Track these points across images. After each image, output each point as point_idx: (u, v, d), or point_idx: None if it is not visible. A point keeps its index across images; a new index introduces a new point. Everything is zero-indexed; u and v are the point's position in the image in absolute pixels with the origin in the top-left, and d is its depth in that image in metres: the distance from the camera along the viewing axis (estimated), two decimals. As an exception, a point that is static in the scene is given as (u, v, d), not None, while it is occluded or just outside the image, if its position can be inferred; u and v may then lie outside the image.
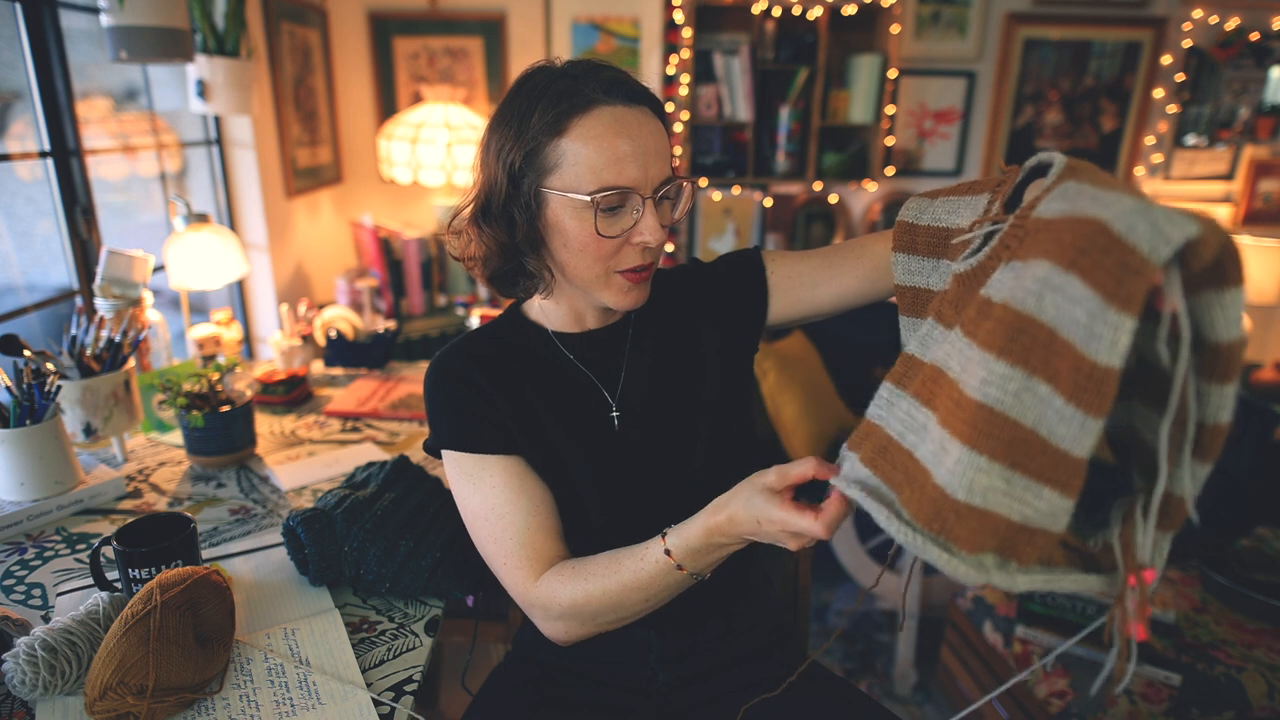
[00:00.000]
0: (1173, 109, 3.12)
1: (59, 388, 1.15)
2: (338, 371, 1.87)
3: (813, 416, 2.44)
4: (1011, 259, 0.56)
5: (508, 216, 0.82)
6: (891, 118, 3.00)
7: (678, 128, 2.90)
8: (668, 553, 0.77)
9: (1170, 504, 0.52)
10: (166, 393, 1.33)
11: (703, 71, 2.89)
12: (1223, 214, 3.25)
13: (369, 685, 0.83)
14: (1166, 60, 3.05)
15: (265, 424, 1.54)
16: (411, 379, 1.79)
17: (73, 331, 1.30)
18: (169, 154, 2.15)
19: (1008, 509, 0.50)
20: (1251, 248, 2.64)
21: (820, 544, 0.73)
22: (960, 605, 1.87)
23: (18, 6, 1.55)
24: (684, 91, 2.86)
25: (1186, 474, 0.50)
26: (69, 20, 1.68)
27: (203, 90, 1.87)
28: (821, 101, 2.92)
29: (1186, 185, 3.24)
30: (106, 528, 1.14)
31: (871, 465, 0.63)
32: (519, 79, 0.82)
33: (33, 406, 1.12)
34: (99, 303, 1.51)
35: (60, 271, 1.73)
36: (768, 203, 3.11)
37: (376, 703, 0.81)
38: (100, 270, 1.52)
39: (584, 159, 0.77)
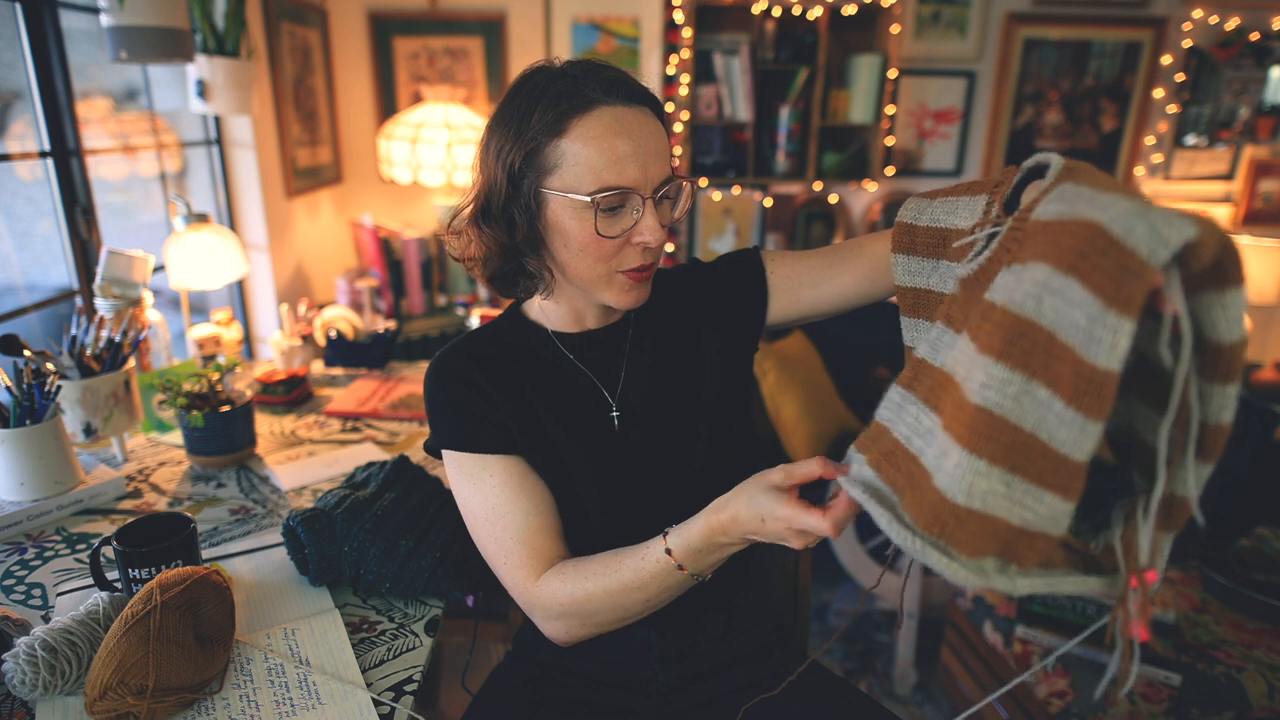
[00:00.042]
0: (1173, 109, 3.12)
1: (59, 388, 1.15)
2: (338, 371, 1.87)
3: (813, 416, 2.44)
4: (1012, 262, 0.56)
5: (508, 217, 0.82)
6: (891, 118, 3.00)
7: (678, 128, 2.90)
8: (668, 552, 0.77)
9: (1173, 505, 0.52)
10: (166, 393, 1.33)
11: (703, 71, 2.89)
12: (1223, 214, 3.25)
13: (369, 685, 0.83)
14: (1166, 60, 3.05)
15: (265, 424, 1.54)
16: (411, 379, 1.79)
17: (73, 331, 1.30)
18: (169, 154, 2.15)
19: (1008, 513, 0.50)
20: (1251, 248, 2.64)
21: (820, 544, 0.73)
22: (960, 605, 1.87)
23: (18, 6, 1.55)
24: (684, 91, 2.86)
25: (1190, 475, 0.50)
26: (69, 20, 1.68)
27: (203, 90, 1.87)
28: (821, 101, 2.92)
29: (1186, 185, 3.24)
30: (106, 528, 1.14)
31: (877, 468, 0.63)
32: (518, 79, 0.82)
33: (33, 406, 1.12)
34: (99, 303, 1.51)
35: (60, 271, 1.73)
36: (768, 203, 3.11)
37: (376, 703, 0.81)
38: (100, 270, 1.52)
39: (584, 159, 0.77)
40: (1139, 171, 3.20)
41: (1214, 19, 3.00)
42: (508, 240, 0.83)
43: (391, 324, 2.18)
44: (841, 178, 3.02)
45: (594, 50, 2.87)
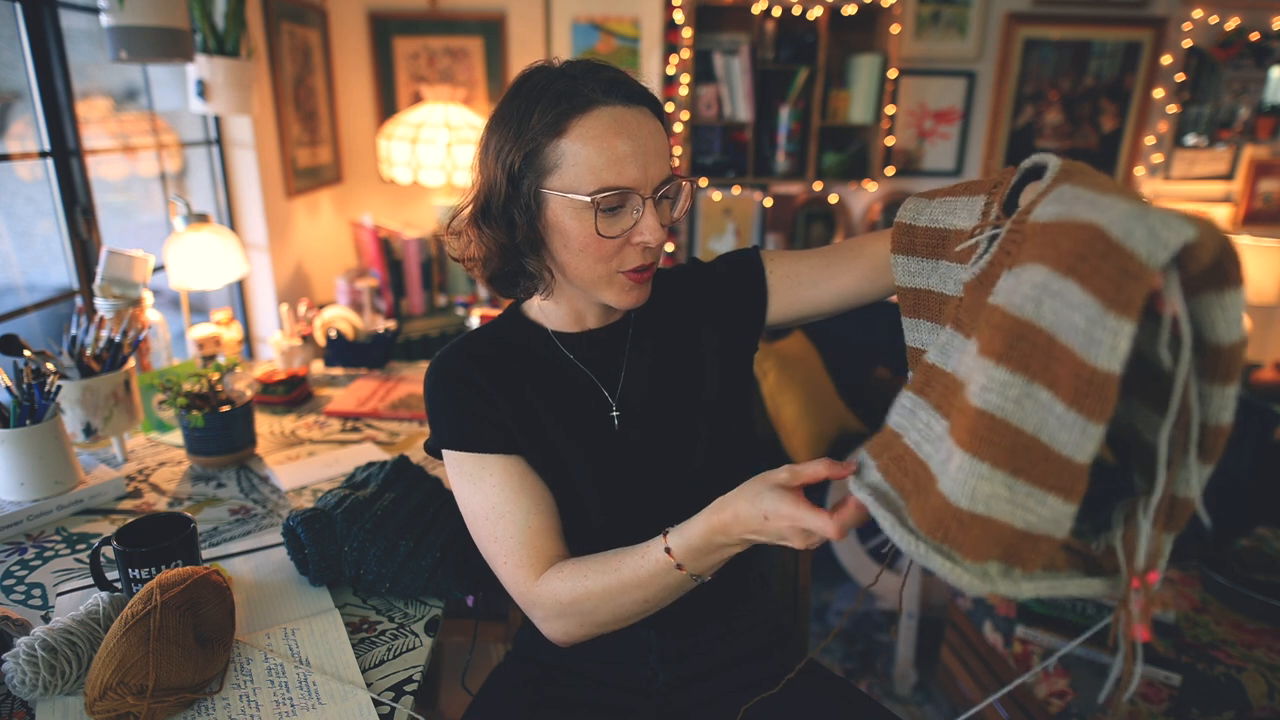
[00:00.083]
0: (1173, 109, 3.12)
1: (59, 388, 1.15)
2: (338, 371, 1.87)
3: (813, 416, 2.44)
4: (1013, 264, 0.56)
5: (507, 217, 0.82)
6: (891, 118, 3.00)
7: (678, 128, 2.90)
8: (668, 551, 0.77)
9: (1174, 506, 0.52)
10: (166, 393, 1.33)
11: (703, 71, 2.89)
12: (1223, 214, 3.25)
13: (369, 685, 0.83)
14: (1166, 60, 3.05)
15: (265, 424, 1.54)
16: (411, 379, 1.79)
17: (73, 331, 1.30)
18: (169, 154, 2.15)
19: (1011, 516, 0.50)
20: (1251, 248, 2.64)
21: (820, 544, 0.72)
22: (960, 605, 1.87)
23: (18, 6, 1.55)
24: (684, 91, 2.86)
25: (1193, 475, 0.50)
26: (69, 20, 1.68)
27: (203, 90, 1.87)
28: (821, 101, 2.92)
29: (1186, 185, 3.24)
30: (106, 528, 1.14)
31: (885, 472, 0.63)
32: (517, 79, 0.82)
33: (33, 406, 1.12)
34: (99, 303, 1.51)
35: (60, 271, 1.73)
36: (768, 203, 3.11)
37: (376, 703, 0.81)
38: (100, 270, 1.52)
39: (584, 159, 0.77)
40: (1139, 171, 3.20)
41: (1214, 19, 3.00)
42: (508, 240, 0.83)
43: (391, 324, 2.18)
44: (841, 178, 3.02)
45: (594, 50, 2.87)
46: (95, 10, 1.68)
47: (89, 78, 1.80)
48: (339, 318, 2.07)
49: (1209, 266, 0.44)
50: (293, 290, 2.54)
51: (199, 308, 2.25)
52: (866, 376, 2.83)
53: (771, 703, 0.89)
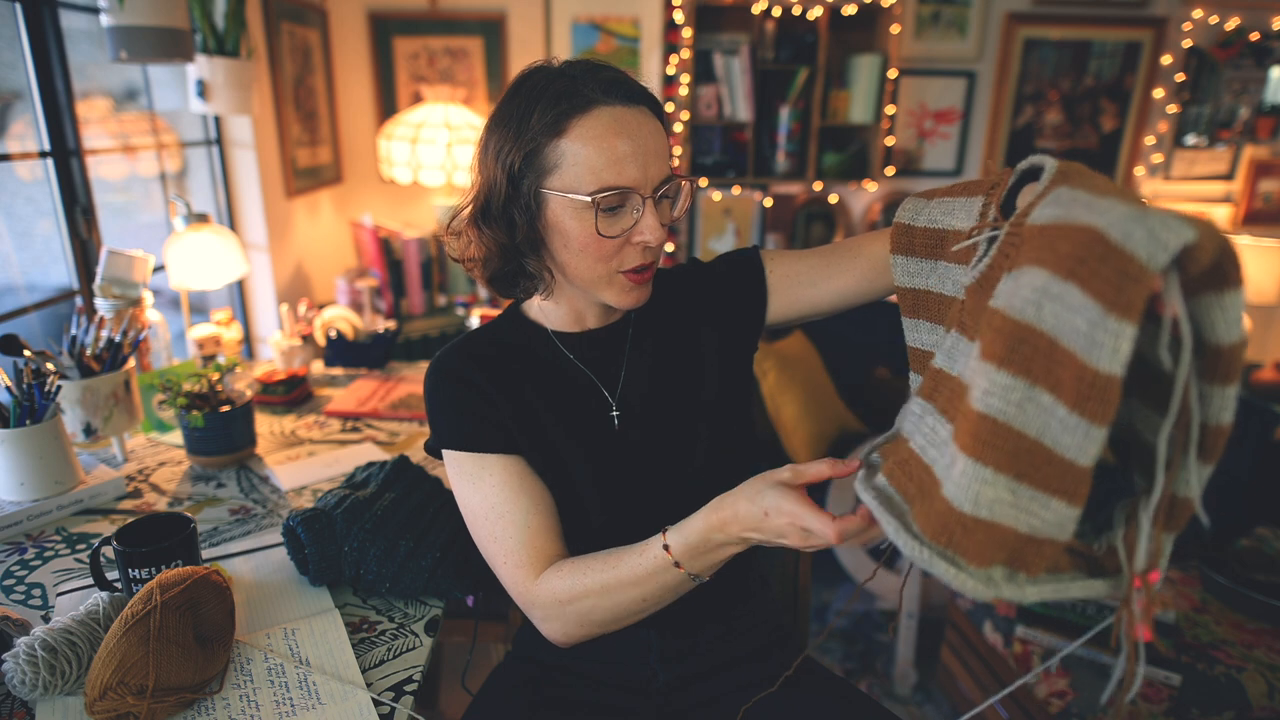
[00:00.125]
0: (1173, 109, 3.12)
1: (59, 388, 1.15)
2: (338, 371, 1.87)
3: (813, 416, 2.44)
4: (1012, 267, 0.56)
5: (507, 218, 0.82)
6: (891, 118, 3.00)
7: (678, 128, 2.90)
8: (666, 548, 0.77)
9: (1175, 506, 0.52)
10: (166, 393, 1.33)
11: (703, 71, 2.89)
12: (1223, 214, 3.25)
13: (369, 685, 0.83)
14: (1166, 60, 3.05)
15: (265, 424, 1.54)
16: (411, 379, 1.79)
17: (73, 331, 1.30)
18: (169, 154, 2.15)
19: (1015, 520, 0.50)
20: (1251, 248, 2.64)
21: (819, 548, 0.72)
22: (960, 605, 1.87)
23: (18, 6, 1.55)
24: (684, 91, 2.86)
25: (1193, 476, 0.50)
26: (69, 20, 1.68)
27: (203, 90, 1.87)
28: (821, 101, 2.92)
29: (1186, 185, 3.24)
30: (106, 528, 1.14)
31: (890, 476, 0.63)
32: (516, 79, 0.82)
33: (33, 406, 1.12)
34: (99, 303, 1.51)
35: (60, 271, 1.73)
36: (768, 203, 3.11)
37: (376, 703, 0.81)
38: (100, 270, 1.52)
39: (584, 159, 0.77)
40: (1139, 171, 3.20)
41: (1214, 19, 3.00)
42: (508, 241, 0.83)
43: (391, 324, 2.18)
44: (841, 178, 3.02)
45: (594, 50, 2.87)
46: (95, 10, 1.68)
47: (89, 78, 1.80)
48: (339, 318, 2.07)
49: (1208, 268, 0.44)
50: (293, 290, 2.54)
51: (199, 308, 2.25)
52: (866, 376, 2.83)
53: (771, 703, 0.89)
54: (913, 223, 0.80)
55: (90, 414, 1.29)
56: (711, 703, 0.93)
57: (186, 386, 1.34)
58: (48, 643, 0.78)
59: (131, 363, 1.35)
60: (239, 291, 2.39)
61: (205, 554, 1.06)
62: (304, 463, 1.36)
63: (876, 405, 2.68)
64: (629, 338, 0.94)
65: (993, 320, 0.53)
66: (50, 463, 1.14)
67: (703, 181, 3.01)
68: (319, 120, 2.70)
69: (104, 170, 1.86)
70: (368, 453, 1.41)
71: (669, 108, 2.91)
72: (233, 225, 2.33)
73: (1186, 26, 3.01)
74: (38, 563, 1.05)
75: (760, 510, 0.70)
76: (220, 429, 1.31)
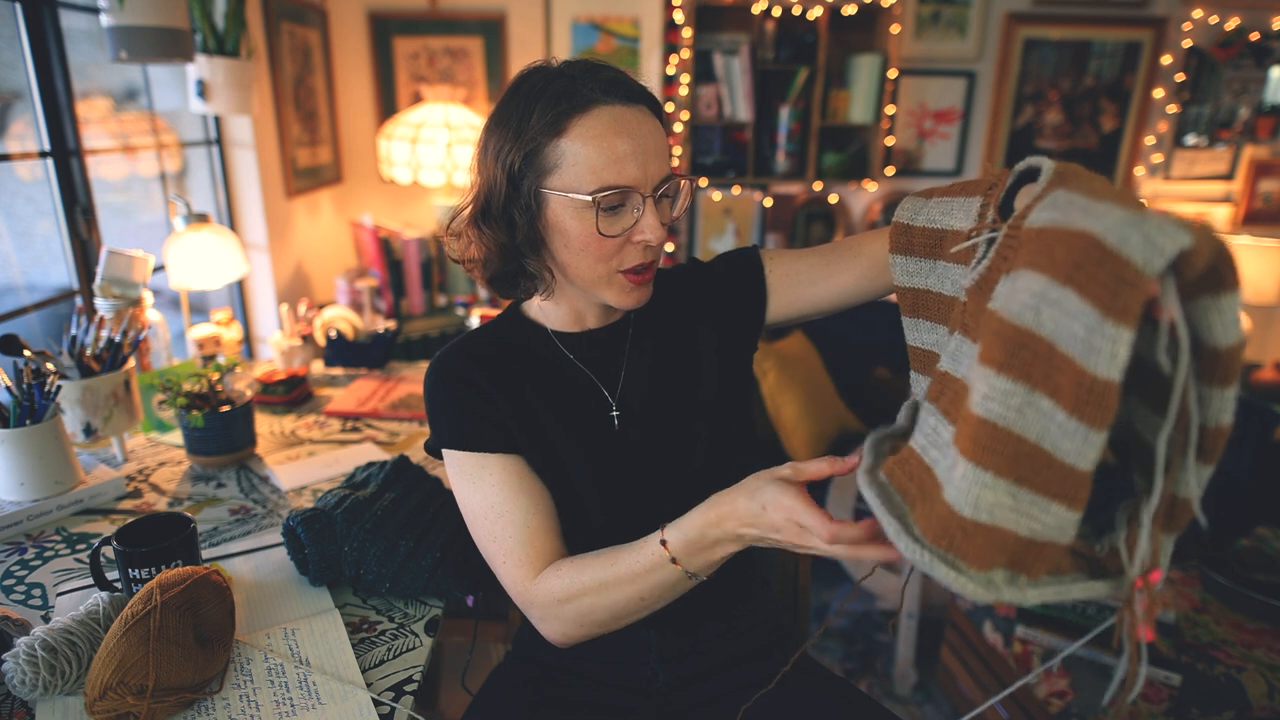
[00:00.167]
0: (1173, 109, 3.12)
1: (59, 388, 1.15)
2: (338, 371, 1.87)
3: (813, 416, 2.44)
4: (1010, 270, 0.56)
5: (508, 218, 0.82)
6: (891, 118, 3.00)
7: (678, 128, 2.90)
8: (664, 543, 0.77)
9: (1175, 506, 0.52)
10: (166, 393, 1.33)
11: (703, 71, 2.89)
12: (1223, 214, 3.25)
13: (369, 685, 0.83)
14: (1166, 60, 3.05)
15: (265, 424, 1.54)
16: (411, 379, 1.79)
17: (73, 331, 1.30)
18: (169, 154, 2.15)
19: (1015, 524, 0.50)
20: (1251, 248, 2.64)
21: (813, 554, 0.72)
22: (960, 605, 1.87)
23: (18, 6, 1.55)
24: (684, 91, 2.87)
25: (1192, 477, 0.50)
26: (69, 20, 1.68)
27: (203, 90, 1.87)
28: (821, 101, 2.92)
29: (1186, 185, 3.24)
30: (106, 528, 1.14)
31: (890, 475, 0.63)
32: (515, 80, 0.82)
33: (33, 406, 1.12)
34: (99, 303, 1.51)
35: (60, 271, 1.73)
36: (768, 203, 3.11)
37: (376, 703, 0.81)
38: (100, 270, 1.52)
39: (584, 159, 0.77)
40: (1139, 171, 3.20)
41: (1214, 19, 3.00)
42: (508, 241, 0.83)
43: (391, 324, 2.18)
44: (841, 178, 3.02)
45: (594, 50, 2.87)
46: (95, 10, 1.68)
47: (89, 78, 1.80)
48: (339, 318, 2.07)
49: (1205, 271, 0.44)
50: (293, 290, 2.54)
51: (199, 308, 2.25)
52: (866, 376, 2.83)
53: (771, 703, 0.89)
54: (911, 222, 0.80)
55: (90, 414, 1.29)
56: (711, 703, 0.93)
57: (186, 386, 1.34)
58: (48, 643, 0.78)
59: (131, 363, 1.35)
60: (239, 291, 2.39)
61: (205, 554, 1.06)
62: (304, 463, 1.36)
63: (876, 405, 2.68)
64: (629, 338, 0.94)
65: (991, 323, 0.53)
66: (50, 463, 1.14)
67: (703, 181, 3.01)
68: (319, 120, 2.71)
69: (104, 170, 1.86)
70: (368, 453, 1.41)
71: (669, 108, 2.91)
72: (233, 225, 2.33)
73: (1186, 26, 3.01)
74: (38, 563, 1.05)
75: (759, 504, 0.70)
76: (220, 429, 1.31)
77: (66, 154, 1.68)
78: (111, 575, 0.95)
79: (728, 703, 0.91)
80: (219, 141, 2.26)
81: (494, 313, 1.93)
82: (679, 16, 2.81)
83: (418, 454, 1.39)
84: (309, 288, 2.70)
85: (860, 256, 0.90)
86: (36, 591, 0.98)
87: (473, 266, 0.89)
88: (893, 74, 2.85)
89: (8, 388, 1.12)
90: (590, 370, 0.92)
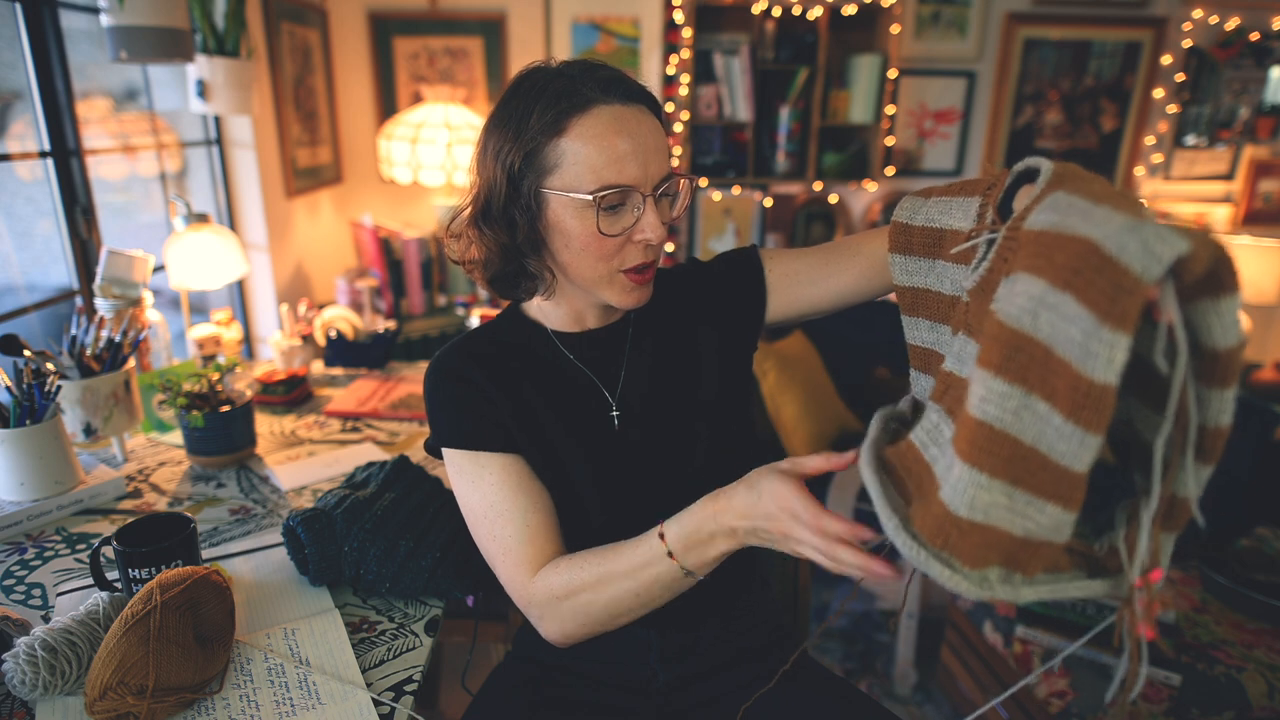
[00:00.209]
0: (1173, 109, 3.12)
1: (59, 388, 1.15)
2: (338, 371, 1.87)
3: (813, 416, 2.44)
4: (1009, 272, 0.56)
5: (508, 218, 0.82)
6: (891, 118, 3.00)
7: (678, 128, 2.90)
8: (661, 537, 0.77)
9: (1174, 506, 0.52)
10: (166, 393, 1.33)
11: (703, 71, 2.89)
12: (1223, 214, 3.25)
13: (369, 685, 0.83)
14: (1166, 60, 3.05)
15: (265, 424, 1.54)
16: (411, 379, 1.79)
17: (73, 331, 1.30)
18: (169, 154, 2.15)
19: (1010, 524, 0.50)
20: (1251, 248, 2.64)
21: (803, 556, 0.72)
22: (960, 605, 1.87)
23: (18, 6, 1.55)
24: (684, 91, 2.87)
25: (1190, 477, 0.50)
26: (69, 20, 1.68)
27: (203, 90, 1.87)
28: (821, 101, 2.92)
29: (1186, 185, 3.24)
30: (106, 528, 1.14)
31: (893, 458, 0.63)
32: (515, 80, 0.82)
33: (33, 406, 1.12)
34: (99, 303, 1.51)
35: (60, 271, 1.73)
36: (768, 203, 3.11)
37: (376, 703, 0.81)
38: (100, 270, 1.52)
39: (584, 158, 0.77)
40: (1139, 172, 3.20)
41: (1214, 19, 3.00)
42: (508, 241, 0.83)
43: (391, 324, 2.18)
44: (841, 178, 3.02)
45: (594, 50, 2.87)
46: (95, 10, 1.68)
47: (89, 78, 1.80)
48: (339, 318, 2.07)
49: (1204, 275, 0.44)
50: (293, 290, 2.54)
51: (199, 308, 2.25)
52: (866, 376, 2.83)
53: (771, 703, 0.89)
54: (910, 221, 0.80)
55: (90, 414, 1.29)
56: (711, 702, 0.93)
57: (186, 386, 1.34)
58: (48, 643, 0.78)
59: (131, 363, 1.35)
60: (239, 291, 2.39)
61: (205, 554, 1.06)
62: (304, 463, 1.36)
63: (876, 405, 2.66)
64: (629, 337, 0.94)
65: (989, 326, 0.53)
66: (50, 463, 1.14)
67: (703, 181, 3.01)
68: (319, 120, 2.71)
69: (104, 170, 1.86)
70: (368, 453, 1.41)
71: (669, 108, 2.91)
72: (233, 225, 2.33)
73: (1186, 26, 3.01)
74: (38, 563, 1.05)
75: (756, 493, 0.71)
76: (220, 429, 1.31)
77: (66, 154, 1.68)
78: (111, 575, 0.95)
79: (728, 702, 0.91)
80: (219, 141, 2.26)
81: (494, 313, 1.93)
82: (679, 16, 2.81)
83: (418, 454, 1.39)
84: (309, 288, 2.70)
85: (859, 256, 0.90)
86: (36, 591, 0.98)
87: (473, 268, 0.88)
88: (893, 74, 2.85)
89: (8, 388, 1.12)
90: (590, 370, 0.92)
